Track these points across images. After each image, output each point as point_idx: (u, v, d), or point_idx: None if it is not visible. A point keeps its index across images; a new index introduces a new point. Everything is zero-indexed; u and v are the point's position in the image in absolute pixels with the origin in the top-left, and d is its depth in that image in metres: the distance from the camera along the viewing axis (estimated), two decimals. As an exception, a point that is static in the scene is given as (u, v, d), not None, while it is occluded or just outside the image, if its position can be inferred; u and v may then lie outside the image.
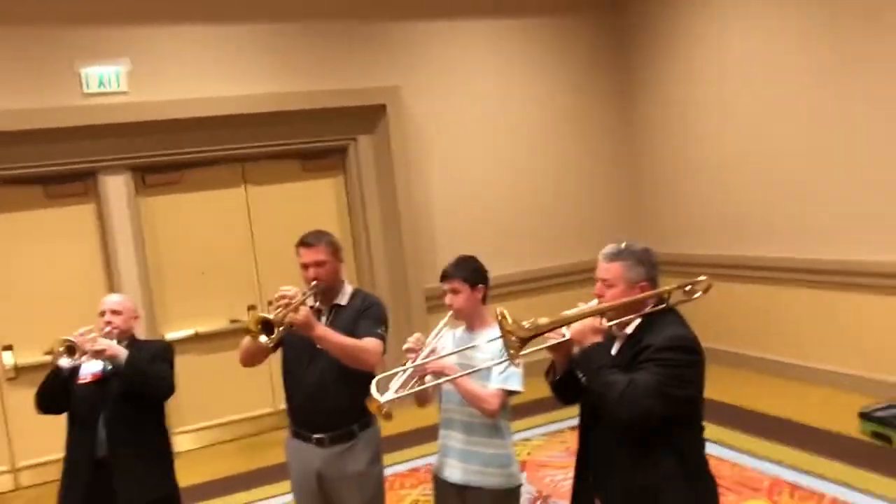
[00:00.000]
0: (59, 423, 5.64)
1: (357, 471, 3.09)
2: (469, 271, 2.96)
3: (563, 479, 4.68)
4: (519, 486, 2.99)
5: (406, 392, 2.70)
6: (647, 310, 2.35)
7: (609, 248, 2.44)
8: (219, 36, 5.92)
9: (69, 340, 3.22)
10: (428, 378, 2.77)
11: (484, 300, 2.99)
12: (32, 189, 5.70)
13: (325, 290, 3.12)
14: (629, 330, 2.37)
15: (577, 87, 7.26)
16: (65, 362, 3.24)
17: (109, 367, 3.28)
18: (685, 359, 2.23)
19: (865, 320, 5.50)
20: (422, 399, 2.95)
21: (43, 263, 5.72)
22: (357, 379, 2.94)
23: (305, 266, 3.10)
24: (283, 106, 6.07)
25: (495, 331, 2.60)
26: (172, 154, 5.97)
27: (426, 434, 5.54)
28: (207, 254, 6.17)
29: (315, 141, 6.41)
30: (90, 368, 3.31)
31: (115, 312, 3.38)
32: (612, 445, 2.32)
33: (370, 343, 3.01)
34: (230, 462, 5.70)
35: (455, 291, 2.94)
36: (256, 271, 6.32)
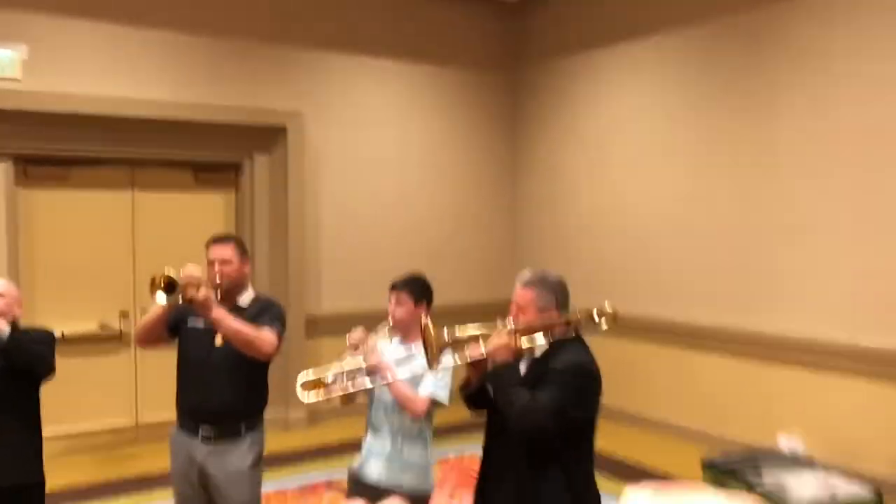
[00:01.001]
0: None
1: (240, 469, 3.16)
2: (416, 287, 3.22)
3: None
4: (430, 492, 3.19)
5: (339, 387, 2.93)
6: (555, 336, 2.58)
7: (526, 274, 2.68)
8: (124, 36, 5.84)
9: None
10: (363, 378, 3.00)
11: (426, 315, 3.13)
12: None
13: (228, 290, 3.19)
14: (537, 353, 2.60)
15: (472, 134, 7.59)
16: None
17: None
18: (582, 382, 2.49)
19: (710, 379, 5.99)
20: (348, 398, 3.09)
21: None
22: (249, 379, 3.15)
23: (212, 263, 3.19)
24: (182, 115, 6.04)
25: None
26: (61, 149, 5.81)
27: (313, 454, 5.68)
28: (85, 254, 5.98)
29: (211, 154, 6.39)
30: None
31: (4, 293, 3.29)
32: (509, 454, 2.55)
33: (266, 332, 3.10)
34: (82, 471, 5.48)
35: (399, 303, 3.16)
36: (134, 278, 6.17)
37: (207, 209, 6.51)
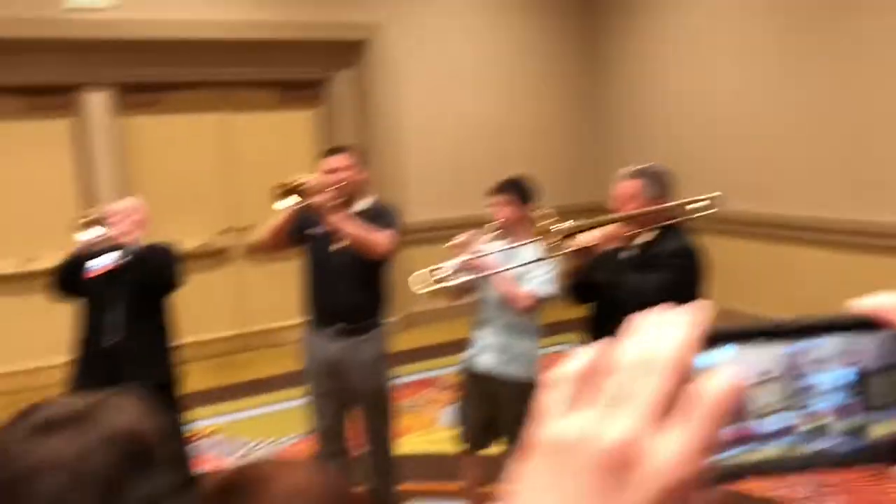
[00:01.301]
0: (25, 335, 5.76)
1: (370, 360, 3.39)
2: (522, 188, 3.30)
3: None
4: (537, 381, 3.33)
5: (450, 283, 3.07)
6: (661, 224, 2.69)
7: (630, 167, 2.78)
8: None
9: (96, 215, 3.40)
10: (471, 273, 3.14)
11: (528, 217, 3.23)
12: (12, 99, 5.70)
13: (346, 196, 3.32)
14: (642, 240, 2.72)
15: (552, 35, 7.50)
16: (86, 235, 3.37)
17: (120, 260, 3.41)
18: (691, 265, 2.61)
19: (812, 274, 5.92)
20: (458, 295, 3.28)
21: (16, 175, 5.76)
22: (371, 279, 3.35)
23: (331, 171, 3.33)
24: (266, 34, 6.16)
25: (532, 246, 3.05)
26: (154, 75, 6.03)
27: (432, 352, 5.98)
28: (181, 177, 6.26)
29: (295, 72, 6.52)
30: (102, 261, 3.43)
31: (127, 212, 3.50)
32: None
33: (383, 234, 3.26)
34: (199, 378, 5.88)
35: (505, 204, 3.26)
36: (228, 197, 6.44)
37: (294, 128, 6.69)
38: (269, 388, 5.59)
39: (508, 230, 3.30)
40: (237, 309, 6.56)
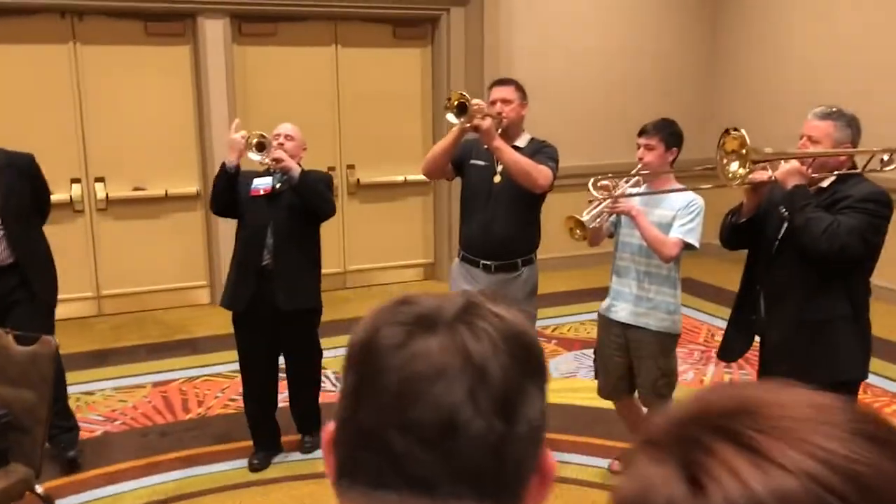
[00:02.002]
0: (143, 259, 5.88)
1: (518, 299, 3.34)
2: (668, 132, 3.15)
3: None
4: (678, 335, 3.25)
5: (598, 221, 3.03)
6: (844, 170, 2.59)
7: (821, 108, 2.64)
8: None
9: (263, 136, 3.43)
10: (614, 220, 3.13)
11: (673, 163, 3.18)
12: (132, 24, 5.73)
13: (507, 129, 3.30)
14: (825, 184, 2.60)
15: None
16: (253, 156, 3.45)
17: (279, 184, 3.48)
18: (882, 211, 2.50)
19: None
20: (596, 239, 3.22)
21: (136, 99, 5.81)
22: (525, 216, 3.37)
23: (494, 102, 3.33)
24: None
25: (678, 191, 3.06)
26: (269, 4, 5.96)
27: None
28: (294, 109, 6.20)
29: (408, 7, 6.37)
30: (262, 183, 3.50)
31: (288, 137, 3.55)
32: (789, 283, 2.58)
33: (542, 167, 3.24)
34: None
35: (650, 148, 3.13)
36: (339, 130, 6.39)
37: (406, 64, 6.57)
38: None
39: (652, 175, 3.17)
40: (339, 248, 6.55)
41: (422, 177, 6.49)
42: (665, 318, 3.17)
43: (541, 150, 3.34)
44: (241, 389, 3.81)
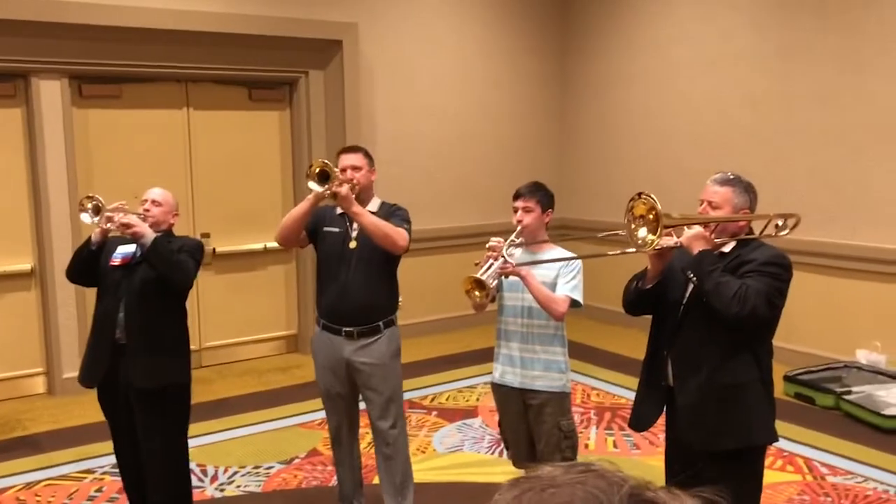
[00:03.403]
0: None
1: (382, 361, 3.36)
2: (542, 194, 3.19)
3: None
4: (569, 392, 3.22)
5: (491, 282, 2.93)
6: (742, 235, 2.65)
7: (719, 175, 2.71)
8: (174, -56, 5.52)
9: (95, 198, 3.26)
10: (503, 276, 3.05)
11: (548, 224, 3.23)
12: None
13: (359, 195, 3.29)
14: (726, 249, 2.64)
15: (522, 45, 7.34)
16: (85, 218, 3.29)
17: (139, 253, 3.24)
18: (784, 274, 2.54)
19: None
20: (480, 307, 3.11)
21: (-42, 168, 5.18)
22: (383, 278, 3.37)
23: (343, 170, 3.32)
24: (236, 28, 5.77)
25: (555, 252, 3.11)
26: (113, 65, 5.54)
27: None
28: (142, 175, 5.77)
29: (265, 70, 6.13)
30: (122, 251, 3.29)
31: (155, 203, 3.35)
32: (698, 347, 2.55)
33: (399, 229, 3.28)
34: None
35: (528, 210, 3.15)
36: (192, 198, 6.00)
37: (263, 128, 6.31)
38: (234, 409, 5.18)
39: (529, 236, 3.19)
40: (194, 323, 6.08)
41: (282, 244, 6.34)
42: (559, 377, 3.15)
43: (394, 213, 3.38)
44: (90, 492, 3.54)
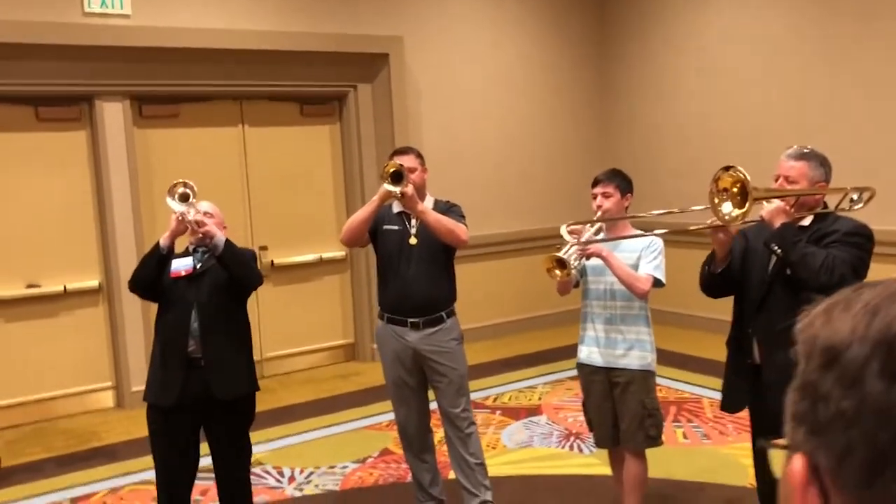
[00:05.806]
0: (38, 362, 5.34)
1: (449, 347, 3.50)
2: (621, 179, 3.27)
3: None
4: (655, 373, 3.26)
5: (573, 262, 3.02)
6: (819, 209, 2.68)
7: (794, 148, 2.74)
8: (226, -34, 5.70)
9: (189, 185, 3.26)
10: (586, 258, 3.12)
11: (627, 209, 3.29)
12: (23, 109, 5.33)
13: (416, 194, 3.40)
14: (805, 222, 2.67)
15: (564, 51, 7.42)
16: (172, 204, 3.25)
17: (199, 263, 3.26)
18: (868, 245, 2.57)
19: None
20: (564, 289, 3.20)
21: (29, 188, 5.36)
22: (442, 272, 3.51)
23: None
24: (286, 45, 5.91)
25: (635, 236, 3.15)
26: (171, 85, 5.72)
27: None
28: (200, 191, 5.89)
29: (315, 85, 6.28)
30: (182, 264, 3.26)
31: (207, 215, 3.31)
32: (782, 324, 2.55)
33: (460, 224, 3.46)
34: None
35: (607, 195, 3.22)
36: (249, 212, 6.13)
37: (315, 142, 6.44)
38: (301, 415, 5.27)
39: (611, 220, 3.24)
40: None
41: (338, 254, 6.46)
42: (644, 356, 3.19)
43: (450, 210, 3.55)
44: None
